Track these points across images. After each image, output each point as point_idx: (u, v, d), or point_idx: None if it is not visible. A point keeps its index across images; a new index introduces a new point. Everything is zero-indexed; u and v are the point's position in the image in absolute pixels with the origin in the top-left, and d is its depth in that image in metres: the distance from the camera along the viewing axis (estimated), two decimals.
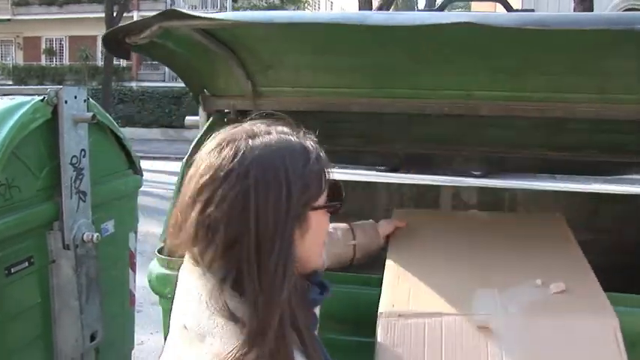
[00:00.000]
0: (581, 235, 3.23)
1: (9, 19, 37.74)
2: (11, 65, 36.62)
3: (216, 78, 2.59)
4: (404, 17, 1.76)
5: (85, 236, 2.94)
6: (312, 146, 1.24)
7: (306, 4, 33.82)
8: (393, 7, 25.74)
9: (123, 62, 32.88)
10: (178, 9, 1.97)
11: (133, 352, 3.71)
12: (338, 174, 1.31)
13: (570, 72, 2.17)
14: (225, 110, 2.70)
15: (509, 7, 2.34)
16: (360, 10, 16.83)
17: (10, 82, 31.49)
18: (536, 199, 3.27)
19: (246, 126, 1.22)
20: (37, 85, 23.95)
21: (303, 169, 1.18)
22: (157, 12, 2.05)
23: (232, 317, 1.12)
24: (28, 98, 2.78)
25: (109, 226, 3.34)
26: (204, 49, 2.30)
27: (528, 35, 1.72)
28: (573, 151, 2.88)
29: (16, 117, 2.66)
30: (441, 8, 2.54)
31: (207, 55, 2.37)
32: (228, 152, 1.15)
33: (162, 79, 31.92)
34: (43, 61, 37.73)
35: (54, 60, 38.05)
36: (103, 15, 25.73)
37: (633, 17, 1.61)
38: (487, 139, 2.90)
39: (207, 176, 1.14)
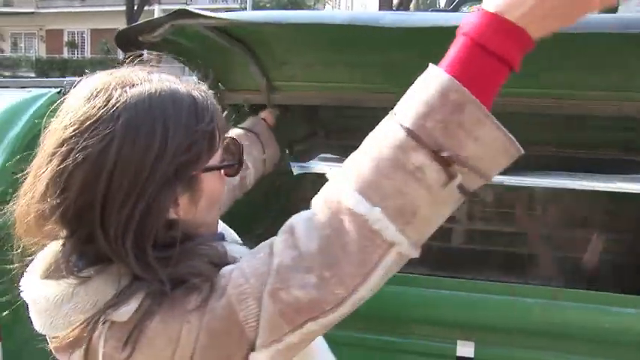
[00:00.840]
0: (603, 234, 3.21)
1: (32, 12, 38.17)
2: (34, 58, 36.99)
3: (231, 73, 2.59)
4: (416, 19, 1.76)
5: None
6: (202, 98, 1.06)
7: (326, 2, 33.84)
8: (413, 4, 25.77)
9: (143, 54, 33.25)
10: (190, 8, 1.98)
11: None
12: None
13: (587, 69, 2.14)
14: (240, 104, 2.71)
15: None
16: (380, 8, 16.83)
17: (33, 75, 31.81)
18: (555, 198, 3.24)
19: (124, 72, 1.04)
20: (58, 77, 24.12)
21: (187, 123, 1.00)
22: (179, 6, 2.06)
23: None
24: (45, 90, 2.80)
25: None
26: (218, 45, 2.30)
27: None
28: (592, 149, 2.85)
29: (32, 109, 2.68)
30: (455, 8, 2.53)
31: (221, 50, 2.38)
32: (98, 101, 0.97)
33: (181, 72, 32.42)
34: (65, 54, 38.12)
35: (76, 53, 38.42)
36: (124, 8, 25.92)
37: None
38: None
39: (72, 128, 0.96)
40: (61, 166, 0.96)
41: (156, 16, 4.90)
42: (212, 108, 1.06)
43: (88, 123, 0.95)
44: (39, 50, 38.84)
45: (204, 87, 1.10)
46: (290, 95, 2.57)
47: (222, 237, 1.20)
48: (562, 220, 3.28)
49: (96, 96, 0.98)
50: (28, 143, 2.62)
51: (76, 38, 38.80)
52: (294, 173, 2.46)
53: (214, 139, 1.05)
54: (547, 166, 2.76)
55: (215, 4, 33.10)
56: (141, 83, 1.01)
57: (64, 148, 0.96)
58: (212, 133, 1.04)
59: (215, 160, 1.07)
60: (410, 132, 0.88)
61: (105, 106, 0.96)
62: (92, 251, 1.00)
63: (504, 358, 2.16)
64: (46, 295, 1.01)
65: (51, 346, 1.05)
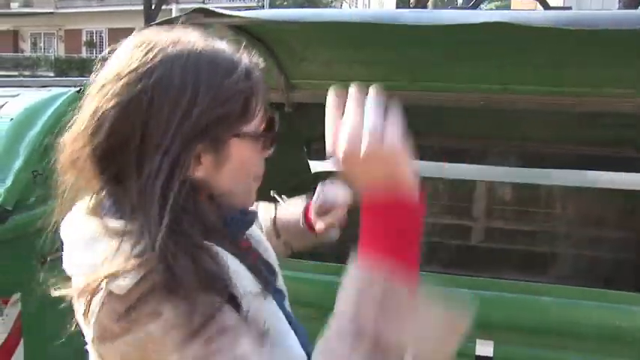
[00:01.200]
0: (619, 232, 3.20)
1: (52, 12, 38.49)
2: (53, 57, 37.26)
3: None
4: (436, 16, 1.76)
5: None
6: (246, 64, 1.06)
7: (343, 0, 33.68)
8: (431, 2, 25.67)
9: None
10: (208, 7, 1.98)
11: None
12: None
13: (608, 66, 2.13)
14: None
15: (546, 5, 2.32)
16: (397, 6, 16.73)
17: (52, 74, 32.04)
18: (572, 196, 3.22)
19: (176, 31, 1.07)
20: (77, 77, 24.34)
21: (221, 83, 1.01)
22: (197, 4, 2.08)
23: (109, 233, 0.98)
24: (65, 90, 2.82)
25: None
26: (236, 42, 2.32)
27: (563, 32, 1.70)
28: (610, 147, 2.83)
29: (52, 108, 2.70)
30: (475, 5, 2.52)
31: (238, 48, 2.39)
32: (139, 53, 1.01)
33: None
34: (84, 53, 38.39)
35: (94, 52, 38.69)
36: (142, 7, 26.06)
37: None
38: (523, 133, 2.86)
39: (112, 75, 1.01)
40: (96, 107, 1.00)
41: (174, 15, 4.80)
42: (254, 76, 1.06)
43: (127, 71, 0.99)
44: (58, 50, 39.14)
45: (256, 59, 1.10)
46: (308, 93, 2.57)
47: (254, 215, 1.20)
48: (578, 218, 3.26)
49: (139, 47, 1.02)
50: (51, 140, 2.65)
51: (94, 38, 39.07)
52: (312, 171, 2.46)
53: (249, 105, 1.04)
54: (568, 163, 2.75)
55: (233, 3, 33.09)
56: (187, 42, 1.03)
57: (101, 91, 1.01)
58: (247, 98, 1.04)
59: (249, 129, 1.06)
60: (351, 331, 0.87)
61: (144, 56, 1.00)
62: (121, 195, 1.01)
63: (523, 357, 2.15)
64: (77, 233, 1.04)
65: (72, 291, 1.03)
